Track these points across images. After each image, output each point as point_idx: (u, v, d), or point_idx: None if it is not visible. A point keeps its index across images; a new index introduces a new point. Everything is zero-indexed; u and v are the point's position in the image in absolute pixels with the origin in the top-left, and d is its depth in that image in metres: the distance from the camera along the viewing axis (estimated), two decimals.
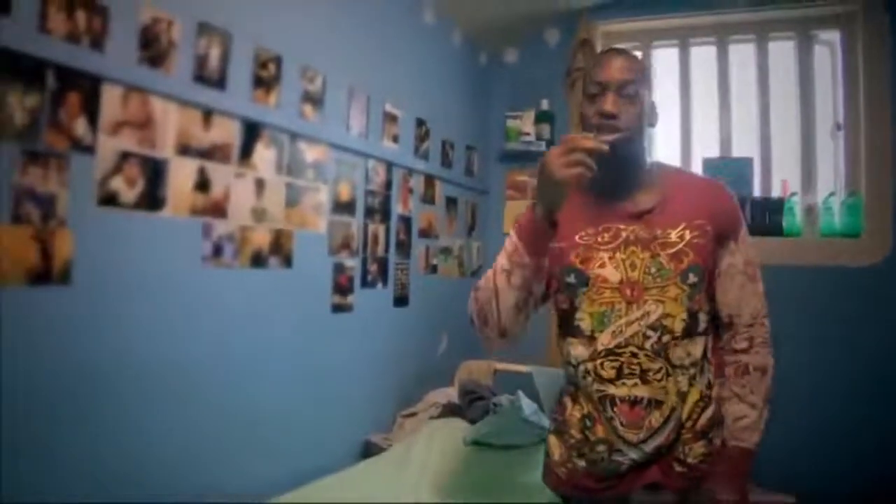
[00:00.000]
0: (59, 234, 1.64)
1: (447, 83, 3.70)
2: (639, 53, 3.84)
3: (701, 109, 3.76)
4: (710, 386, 1.58)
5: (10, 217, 1.54)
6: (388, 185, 3.06)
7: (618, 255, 1.54)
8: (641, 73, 1.56)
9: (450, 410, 3.04)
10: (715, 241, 1.55)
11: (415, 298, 3.29)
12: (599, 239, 1.56)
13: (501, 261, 1.53)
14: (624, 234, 1.55)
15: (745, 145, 3.63)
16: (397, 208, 3.15)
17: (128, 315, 1.83)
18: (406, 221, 3.23)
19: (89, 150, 1.72)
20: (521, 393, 2.99)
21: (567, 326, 1.61)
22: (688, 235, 1.52)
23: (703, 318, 1.54)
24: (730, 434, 1.57)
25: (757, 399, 1.57)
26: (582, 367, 1.57)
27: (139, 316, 1.86)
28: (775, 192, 3.51)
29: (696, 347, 1.53)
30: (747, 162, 3.52)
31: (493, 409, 2.85)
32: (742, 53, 3.68)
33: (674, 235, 1.53)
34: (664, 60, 3.83)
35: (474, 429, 2.78)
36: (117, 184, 1.79)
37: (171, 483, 1.94)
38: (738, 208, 1.64)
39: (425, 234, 3.41)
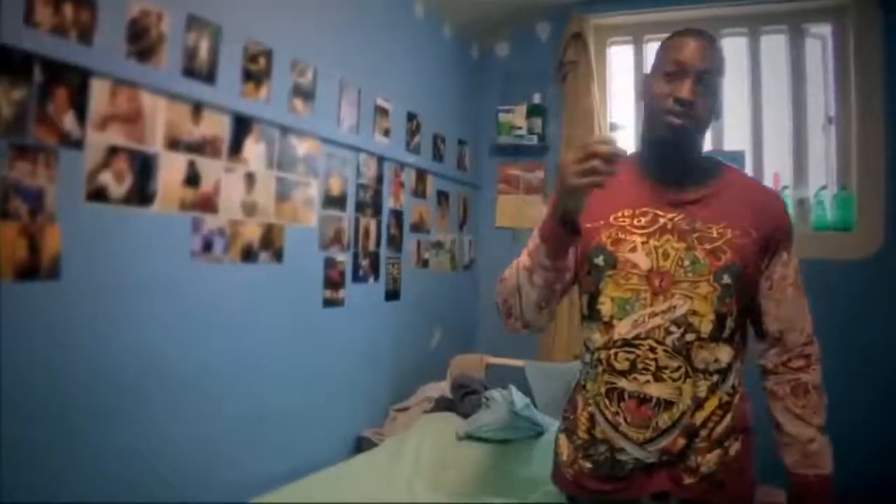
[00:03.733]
0: (48, 229, 1.63)
1: (438, 77, 3.68)
2: (630, 47, 3.86)
3: None
4: (732, 393, 1.48)
5: None
6: (380, 179, 3.05)
7: (651, 241, 1.46)
8: (720, 65, 1.51)
9: (442, 405, 3.03)
10: (760, 247, 1.47)
11: (406, 293, 3.29)
12: (635, 222, 1.48)
13: (524, 258, 1.48)
14: (662, 221, 1.47)
15: (736, 138, 3.63)
16: (389, 202, 3.14)
17: (117, 310, 1.82)
18: (397, 215, 3.22)
19: (78, 144, 1.70)
20: (513, 387, 2.99)
21: (589, 310, 1.54)
22: (729, 234, 1.44)
23: (729, 324, 1.45)
24: (803, 461, 1.49)
25: (821, 421, 1.50)
26: (596, 355, 1.51)
27: (128, 311, 1.85)
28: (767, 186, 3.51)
29: (724, 354, 1.45)
30: (739, 155, 3.52)
31: (486, 404, 2.85)
32: (734, 46, 3.68)
33: (715, 231, 1.44)
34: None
35: (467, 423, 2.78)
36: (106, 178, 1.77)
37: (161, 479, 1.93)
38: (790, 220, 1.56)
39: (417, 228, 3.40)
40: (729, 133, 3.65)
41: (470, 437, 2.71)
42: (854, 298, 3.19)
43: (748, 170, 3.53)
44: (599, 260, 1.49)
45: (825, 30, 3.49)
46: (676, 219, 1.47)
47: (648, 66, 1.57)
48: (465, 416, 2.87)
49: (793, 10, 3.51)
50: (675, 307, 1.42)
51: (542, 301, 1.48)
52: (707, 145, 3.59)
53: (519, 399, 2.87)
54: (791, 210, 3.38)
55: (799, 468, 1.49)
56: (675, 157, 1.50)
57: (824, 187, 3.40)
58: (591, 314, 1.54)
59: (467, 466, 2.53)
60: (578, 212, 1.37)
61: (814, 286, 3.34)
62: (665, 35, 1.58)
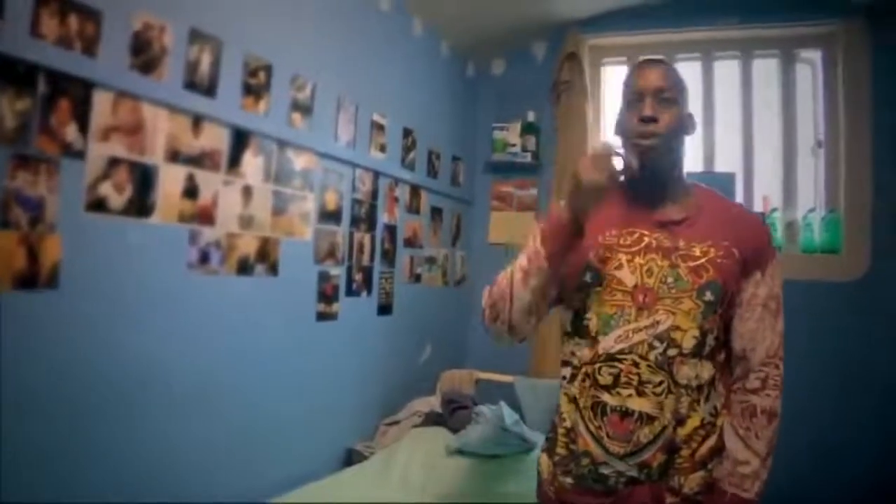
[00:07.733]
0: (48, 239, 1.64)
1: (434, 94, 3.72)
2: (625, 67, 3.91)
3: None
4: (714, 414, 1.51)
5: None
6: (375, 194, 3.08)
7: (637, 259, 1.51)
8: (678, 83, 1.56)
9: (432, 419, 3.05)
10: (741, 267, 1.50)
11: (399, 307, 3.30)
12: (622, 241, 1.54)
13: (521, 261, 1.51)
14: (646, 240, 1.52)
15: (727, 160, 3.68)
16: (383, 217, 3.16)
17: (114, 320, 1.83)
18: (391, 231, 3.24)
19: (79, 155, 1.72)
20: (502, 403, 3.01)
21: (575, 326, 1.58)
22: (712, 253, 1.48)
23: (710, 341, 1.48)
24: (729, 480, 1.49)
25: (761, 446, 1.49)
26: (582, 370, 1.54)
27: (125, 321, 1.86)
28: (757, 208, 3.56)
29: (706, 370, 1.48)
30: (730, 177, 3.56)
31: (475, 419, 2.87)
32: (726, 70, 3.73)
33: (697, 250, 1.49)
34: None
35: (456, 438, 2.79)
36: (106, 189, 1.79)
37: (151, 488, 1.94)
38: (770, 242, 1.58)
39: (410, 243, 3.43)
40: (720, 155, 3.70)
41: (459, 451, 2.72)
42: (841, 320, 3.23)
43: (739, 192, 3.58)
44: (588, 277, 1.54)
45: (815, 55, 3.55)
46: (661, 238, 1.52)
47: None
48: (455, 430, 2.88)
49: (784, 36, 3.57)
50: (658, 322, 1.45)
51: (532, 306, 1.51)
52: (699, 167, 3.66)
53: (508, 415, 2.89)
54: (780, 232, 3.44)
55: (724, 483, 1.50)
56: (655, 178, 1.55)
57: (813, 210, 3.44)
58: (577, 329, 1.57)
59: (456, 481, 2.54)
60: (589, 209, 1.43)
61: (802, 307, 3.37)
62: (660, 57, 1.62)
